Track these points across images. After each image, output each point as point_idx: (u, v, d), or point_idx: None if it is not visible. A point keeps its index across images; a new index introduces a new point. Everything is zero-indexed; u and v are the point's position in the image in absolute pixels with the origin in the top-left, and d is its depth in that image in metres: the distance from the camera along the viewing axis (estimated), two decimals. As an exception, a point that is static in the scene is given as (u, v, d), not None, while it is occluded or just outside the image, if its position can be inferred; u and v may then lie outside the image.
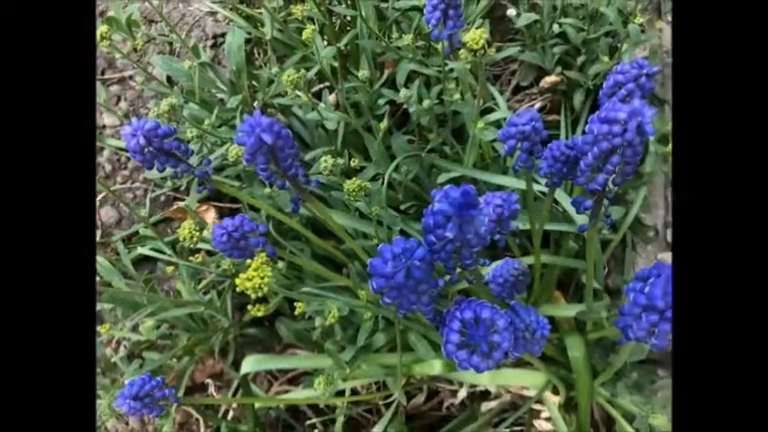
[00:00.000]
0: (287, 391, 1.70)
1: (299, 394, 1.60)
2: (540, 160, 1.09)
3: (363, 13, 1.56)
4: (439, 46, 1.27)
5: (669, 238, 1.56)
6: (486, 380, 1.47)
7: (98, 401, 1.42)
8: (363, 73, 1.50)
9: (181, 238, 1.12)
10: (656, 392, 1.39)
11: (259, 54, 1.94)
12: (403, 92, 1.43)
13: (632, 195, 1.53)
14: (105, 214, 1.99)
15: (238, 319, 1.72)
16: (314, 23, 1.58)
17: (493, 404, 1.59)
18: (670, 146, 1.35)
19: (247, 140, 0.90)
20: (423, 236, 0.80)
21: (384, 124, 1.46)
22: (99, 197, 1.99)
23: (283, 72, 1.31)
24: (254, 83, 1.72)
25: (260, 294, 0.94)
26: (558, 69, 1.71)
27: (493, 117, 1.44)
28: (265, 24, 1.61)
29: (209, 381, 1.78)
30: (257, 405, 1.68)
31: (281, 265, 1.38)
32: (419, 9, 1.59)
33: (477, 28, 1.07)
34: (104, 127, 2.07)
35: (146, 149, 0.93)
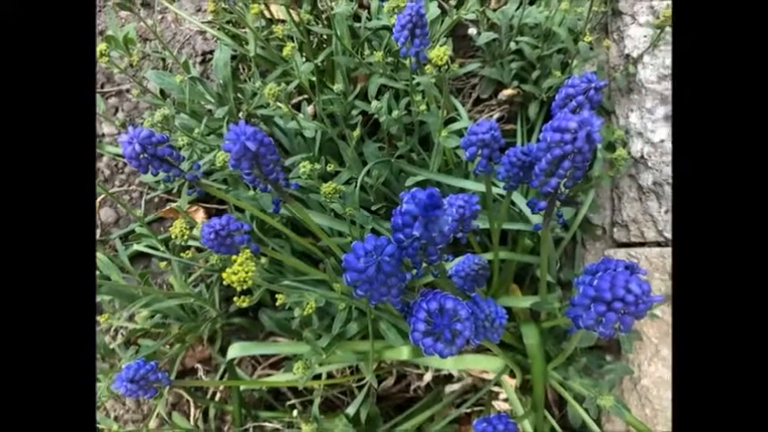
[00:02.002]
0: (269, 375, 1.69)
1: (280, 378, 1.59)
2: (498, 165, 1.08)
3: (338, 32, 1.55)
4: (407, 62, 1.27)
5: (615, 235, 1.57)
6: (449, 364, 1.47)
7: (98, 384, 1.40)
8: (338, 86, 1.49)
9: (173, 236, 1.11)
10: (604, 375, 1.40)
11: (244, 69, 1.92)
12: (374, 103, 1.42)
13: (582, 197, 1.54)
14: (104, 214, 1.96)
15: (225, 309, 1.71)
16: (293, 42, 1.57)
17: (456, 386, 1.58)
18: (617, 152, 1.36)
19: (233, 147, 0.89)
20: (392, 234, 0.79)
21: (357, 133, 1.45)
22: (98, 199, 1.97)
23: (266, 85, 1.30)
24: (239, 95, 1.70)
25: (244, 287, 0.94)
26: (515, 83, 1.71)
27: (456, 126, 1.45)
28: (249, 42, 1.60)
29: (198, 365, 1.77)
30: (242, 387, 1.67)
31: (263, 260, 1.37)
32: (389, 28, 1.59)
33: (441, 46, 1.06)
34: (103, 135, 2.04)
35: (141, 156, 0.92)
